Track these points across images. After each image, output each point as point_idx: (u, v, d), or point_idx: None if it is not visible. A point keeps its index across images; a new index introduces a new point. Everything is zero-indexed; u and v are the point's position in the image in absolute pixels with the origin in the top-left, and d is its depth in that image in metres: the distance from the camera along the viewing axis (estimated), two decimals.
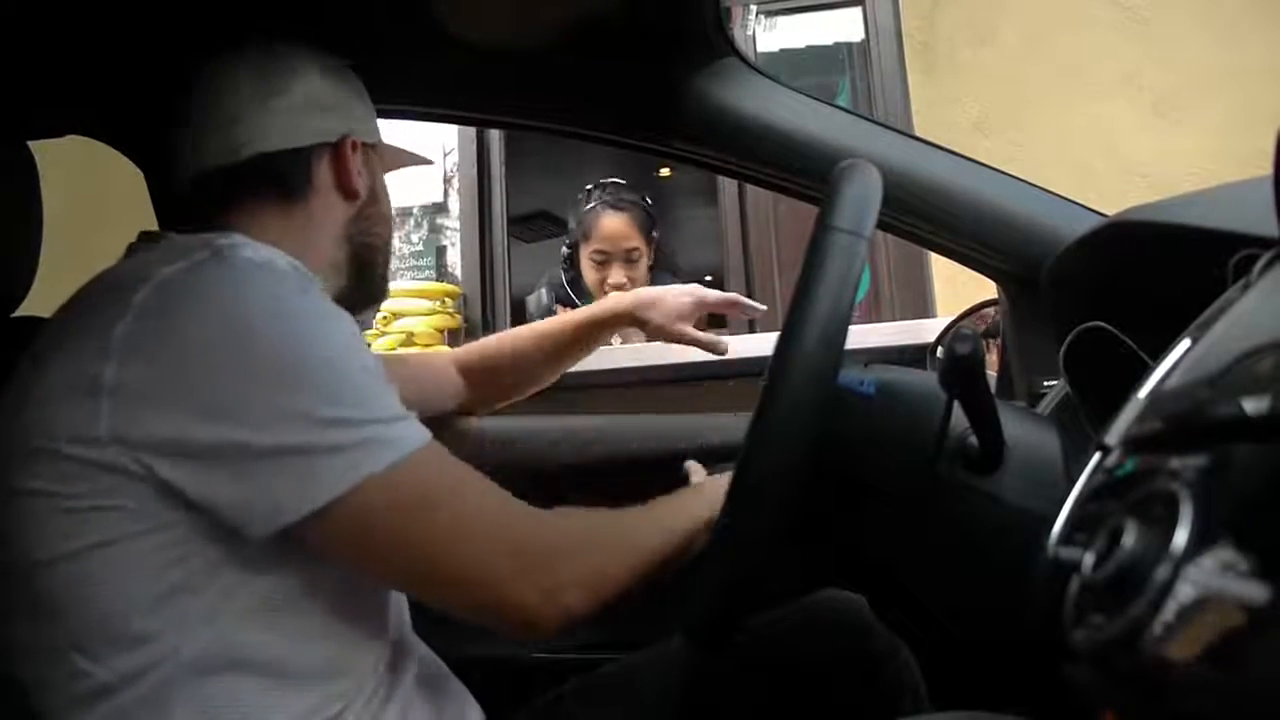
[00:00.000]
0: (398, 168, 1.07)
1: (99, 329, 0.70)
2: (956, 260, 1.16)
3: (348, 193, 0.93)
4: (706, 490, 0.90)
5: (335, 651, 0.77)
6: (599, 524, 0.81)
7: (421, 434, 0.73)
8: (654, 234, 2.41)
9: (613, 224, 2.35)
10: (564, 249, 2.49)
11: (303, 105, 0.90)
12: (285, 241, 0.86)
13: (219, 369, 0.68)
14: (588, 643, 1.33)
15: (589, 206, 2.38)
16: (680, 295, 1.29)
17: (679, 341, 1.29)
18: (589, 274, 2.40)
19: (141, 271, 0.74)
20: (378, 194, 0.98)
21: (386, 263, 1.00)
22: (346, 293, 0.93)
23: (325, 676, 0.76)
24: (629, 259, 2.37)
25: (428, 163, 1.17)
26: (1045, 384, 1.10)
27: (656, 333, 1.30)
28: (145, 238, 0.86)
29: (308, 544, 0.72)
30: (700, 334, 1.30)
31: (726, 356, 1.40)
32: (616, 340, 2.48)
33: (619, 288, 2.34)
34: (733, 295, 1.39)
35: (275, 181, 0.89)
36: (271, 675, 0.73)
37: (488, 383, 1.29)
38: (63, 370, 0.71)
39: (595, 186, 2.43)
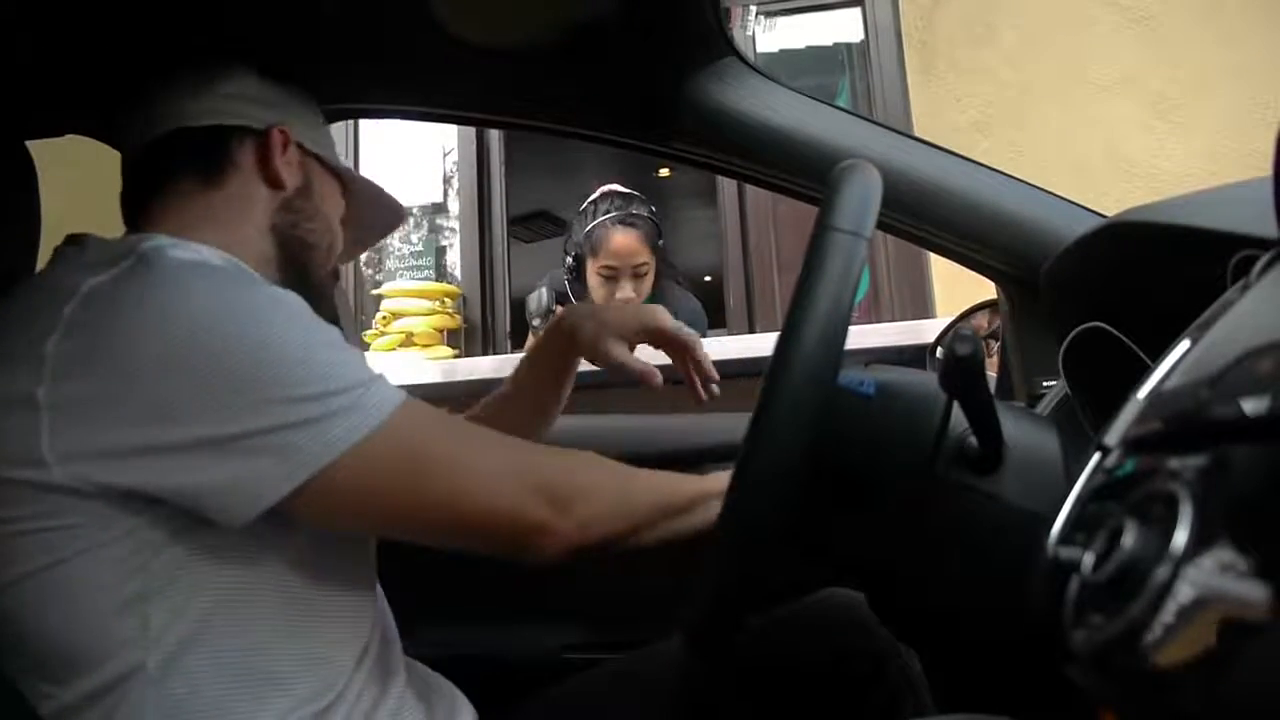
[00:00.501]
0: (369, 207, 1.06)
1: (29, 345, 0.68)
2: (955, 261, 1.16)
3: (270, 179, 0.90)
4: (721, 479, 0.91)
5: (312, 647, 0.76)
6: (613, 465, 0.84)
7: (395, 394, 0.72)
8: (660, 244, 2.41)
9: (622, 240, 2.33)
10: (568, 259, 2.47)
11: (231, 94, 0.91)
12: (207, 227, 0.85)
13: (167, 374, 0.66)
14: (585, 642, 1.34)
15: (597, 221, 2.35)
16: (625, 313, 1.09)
17: (604, 363, 1.07)
18: (595, 289, 2.38)
19: (69, 281, 0.72)
20: (312, 191, 0.94)
21: (325, 267, 0.96)
22: None
23: (304, 674, 0.74)
24: (636, 274, 2.35)
25: (399, 219, 1.15)
26: (1045, 384, 1.10)
27: (588, 349, 1.08)
28: (70, 241, 0.83)
29: (305, 519, 0.71)
30: (631, 360, 1.06)
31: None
32: None
33: (627, 301, 2.33)
34: (692, 341, 1.08)
35: (194, 157, 0.88)
36: (246, 674, 0.72)
37: None
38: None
39: (601, 197, 2.41)
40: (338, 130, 3.30)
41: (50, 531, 0.67)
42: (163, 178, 0.88)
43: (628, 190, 2.43)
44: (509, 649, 1.34)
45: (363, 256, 3.29)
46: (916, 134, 2.23)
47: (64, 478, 0.66)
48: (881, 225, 0.88)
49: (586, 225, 2.37)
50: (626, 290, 2.34)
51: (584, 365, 1.46)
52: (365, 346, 2.81)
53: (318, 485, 0.68)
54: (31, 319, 0.70)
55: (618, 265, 2.33)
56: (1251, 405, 0.36)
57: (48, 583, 0.68)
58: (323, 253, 0.95)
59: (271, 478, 0.67)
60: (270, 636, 0.74)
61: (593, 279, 2.38)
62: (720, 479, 0.87)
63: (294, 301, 0.74)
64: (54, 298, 0.71)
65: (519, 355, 1.87)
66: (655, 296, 2.52)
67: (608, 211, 2.35)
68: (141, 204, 0.88)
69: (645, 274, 2.37)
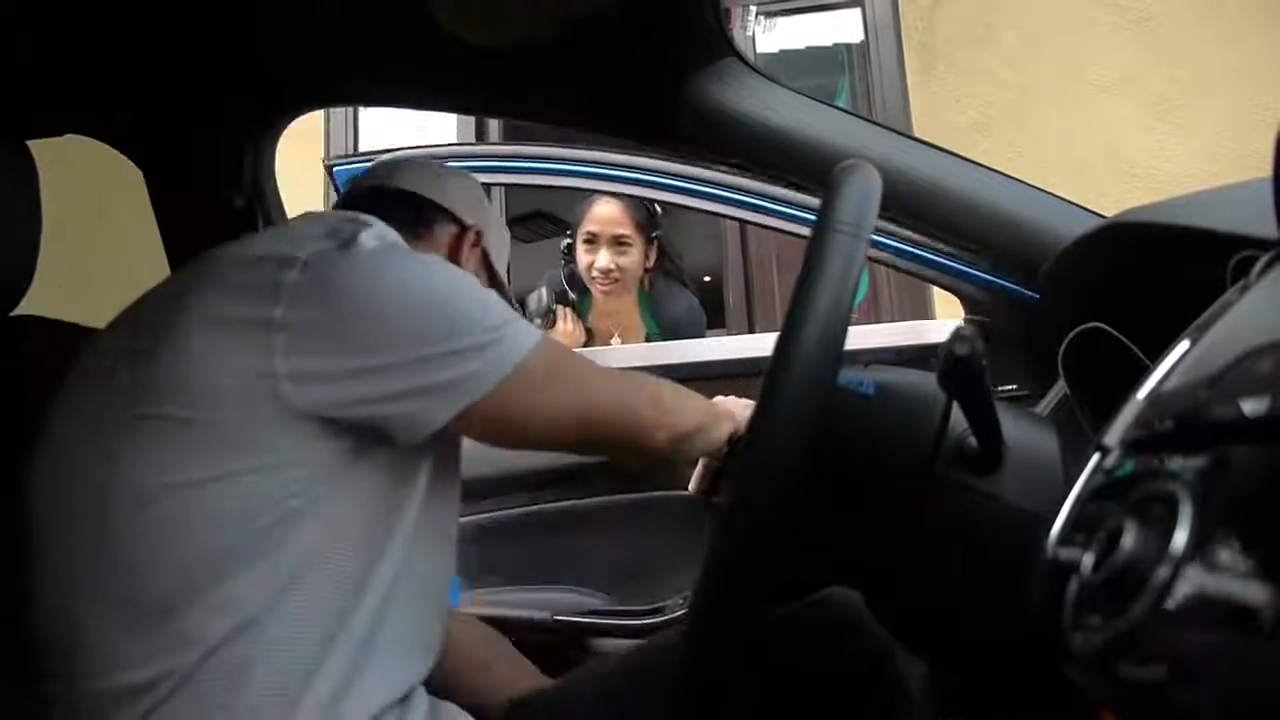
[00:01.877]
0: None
1: (269, 278, 0.78)
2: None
3: (452, 260, 1.02)
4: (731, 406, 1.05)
5: (404, 632, 0.83)
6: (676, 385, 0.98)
7: (533, 330, 0.85)
8: (655, 235, 2.42)
9: (604, 209, 2.38)
10: (564, 242, 2.51)
11: (459, 189, 1.08)
12: None
13: (381, 311, 0.78)
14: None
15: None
16: None
17: None
18: (580, 258, 2.43)
19: (305, 232, 0.85)
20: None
21: None
22: None
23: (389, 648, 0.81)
24: (618, 244, 2.39)
25: None
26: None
27: None
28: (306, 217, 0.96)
29: (479, 427, 0.83)
30: None
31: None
32: (616, 340, 2.50)
33: (606, 272, 2.38)
34: None
35: (411, 210, 1.02)
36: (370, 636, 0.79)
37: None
38: (233, 307, 0.78)
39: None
40: (338, 127, 3.30)
41: (250, 441, 0.75)
42: (379, 209, 0.98)
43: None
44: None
45: None
46: (916, 135, 2.23)
47: (288, 393, 0.75)
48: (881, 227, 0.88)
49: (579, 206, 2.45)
50: (604, 259, 2.38)
51: None
52: None
53: (496, 393, 0.79)
54: (273, 260, 0.80)
55: (597, 231, 2.38)
56: (1251, 406, 0.36)
57: (216, 491, 0.74)
58: None
59: (466, 384, 0.79)
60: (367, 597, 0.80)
61: (579, 249, 2.43)
62: (730, 401, 1.05)
63: (463, 271, 0.88)
64: (293, 244, 0.82)
65: None
66: (655, 293, 2.53)
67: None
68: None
69: (626, 249, 2.40)
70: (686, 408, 0.97)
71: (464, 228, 1.05)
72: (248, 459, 0.75)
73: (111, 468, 0.76)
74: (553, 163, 1.67)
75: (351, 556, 0.78)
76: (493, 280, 1.10)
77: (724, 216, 1.70)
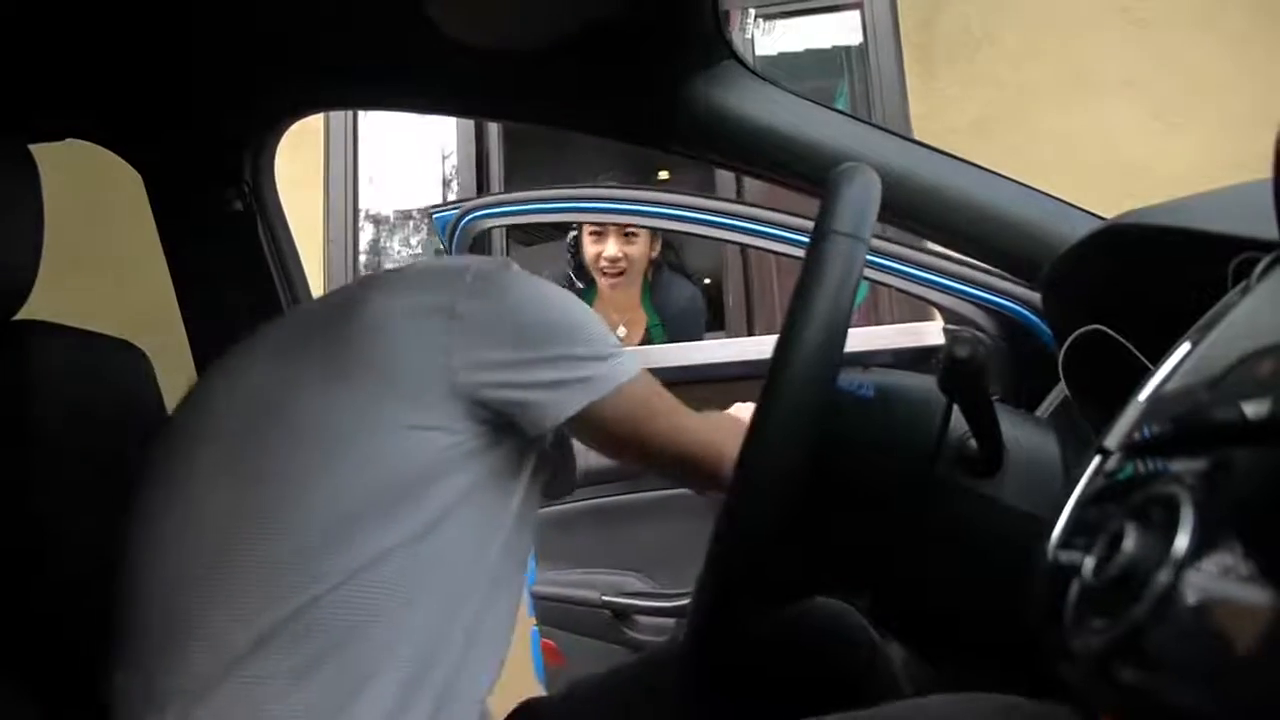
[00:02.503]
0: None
1: (450, 275, 0.90)
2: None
3: None
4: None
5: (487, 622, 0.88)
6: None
7: (638, 362, 0.93)
8: None
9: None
10: (570, 235, 2.56)
11: None
12: None
13: (533, 315, 0.90)
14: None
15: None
16: None
17: None
18: (587, 249, 2.47)
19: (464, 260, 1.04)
20: None
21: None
22: None
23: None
24: (625, 234, 2.43)
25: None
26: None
27: None
28: None
29: (584, 433, 0.95)
30: None
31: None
32: (621, 330, 2.52)
33: (614, 261, 2.43)
34: None
35: None
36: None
37: None
38: (420, 297, 0.88)
39: (605, 175, 2.50)
40: (337, 132, 3.31)
41: (419, 402, 0.84)
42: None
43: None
44: None
45: (362, 260, 3.29)
46: (915, 137, 2.23)
47: (455, 370, 0.84)
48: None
49: None
50: (612, 248, 2.43)
51: None
52: None
53: (612, 398, 0.88)
54: (448, 268, 0.93)
55: (604, 222, 2.40)
56: (1252, 408, 0.36)
57: (383, 437, 0.84)
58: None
59: (592, 384, 0.88)
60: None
61: (585, 240, 2.48)
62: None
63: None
64: (457, 262, 1.04)
65: None
66: (655, 283, 2.55)
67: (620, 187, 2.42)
68: None
69: (633, 238, 2.45)
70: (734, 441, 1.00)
71: None
72: (415, 415, 0.84)
73: (296, 408, 0.86)
74: (621, 203, 1.82)
75: (474, 527, 0.86)
76: None
77: (732, 243, 1.82)
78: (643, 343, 2.56)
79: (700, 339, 2.68)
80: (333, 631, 0.78)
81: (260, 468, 0.84)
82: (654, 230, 2.44)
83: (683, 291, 2.62)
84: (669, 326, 2.58)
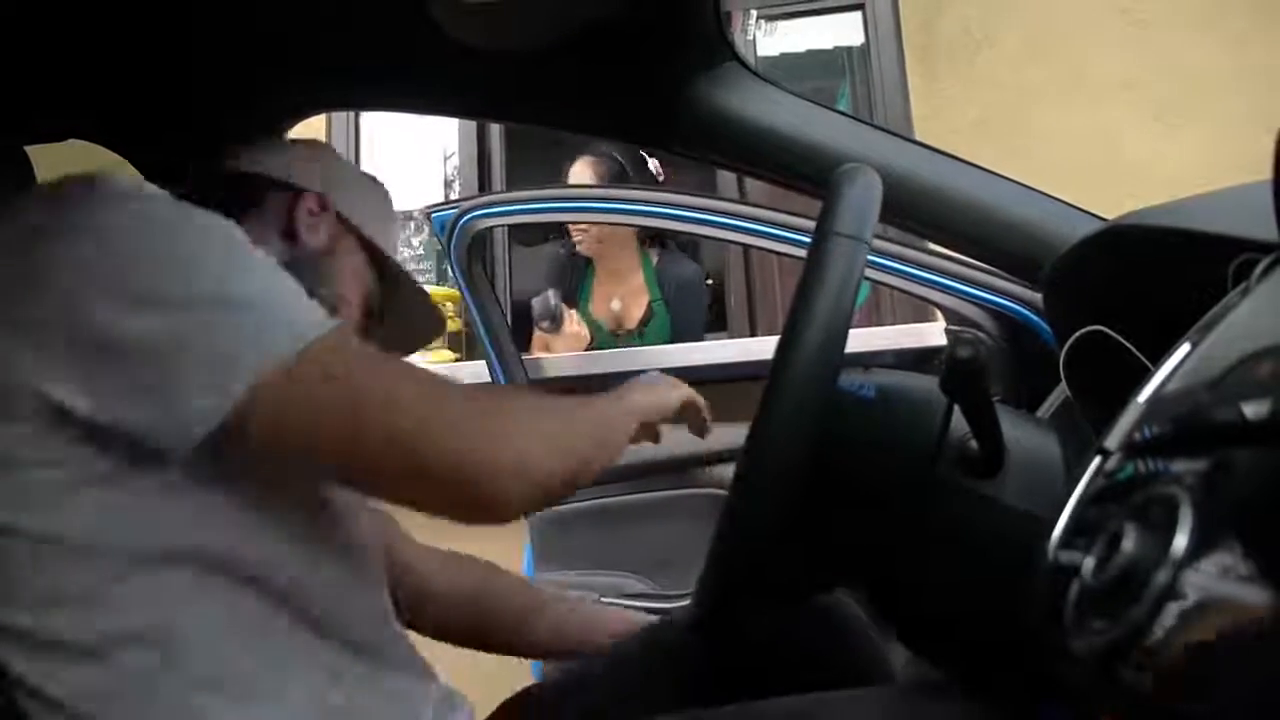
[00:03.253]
0: (410, 307, 1.08)
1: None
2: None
3: (286, 232, 0.94)
4: (635, 395, 0.92)
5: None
6: (550, 407, 0.80)
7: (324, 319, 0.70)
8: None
9: (575, 168, 2.50)
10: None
11: (293, 157, 1.00)
12: None
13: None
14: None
15: None
16: None
17: None
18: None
19: None
20: (333, 257, 0.97)
21: None
22: None
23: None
24: None
25: (435, 330, 1.16)
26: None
27: None
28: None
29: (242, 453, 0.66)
30: None
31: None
32: (616, 304, 2.54)
33: (585, 232, 2.50)
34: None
35: (228, 191, 0.94)
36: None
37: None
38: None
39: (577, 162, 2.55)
40: (338, 132, 3.31)
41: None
42: (215, 192, 0.90)
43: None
44: None
45: None
46: (917, 137, 2.23)
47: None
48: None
49: None
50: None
51: (582, 369, 1.46)
52: None
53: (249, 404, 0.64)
54: None
55: (606, 222, 2.45)
56: (1251, 409, 0.36)
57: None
58: None
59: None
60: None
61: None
62: (637, 388, 0.94)
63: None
64: None
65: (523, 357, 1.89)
66: (661, 262, 2.56)
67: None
68: None
69: None
70: (567, 435, 0.78)
71: (297, 192, 0.95)
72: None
73: None
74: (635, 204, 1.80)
75: None
76: (367, 249, 1.00)
77: (733, 243, 1.84)
78: (645, 318, 2.57)
79: (702, 318, 2.70)
80: None
81: None
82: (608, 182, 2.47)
83: (685, 268, 2.64)
84: (672, 303, 2.58)
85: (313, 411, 0.66)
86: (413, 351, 1.13)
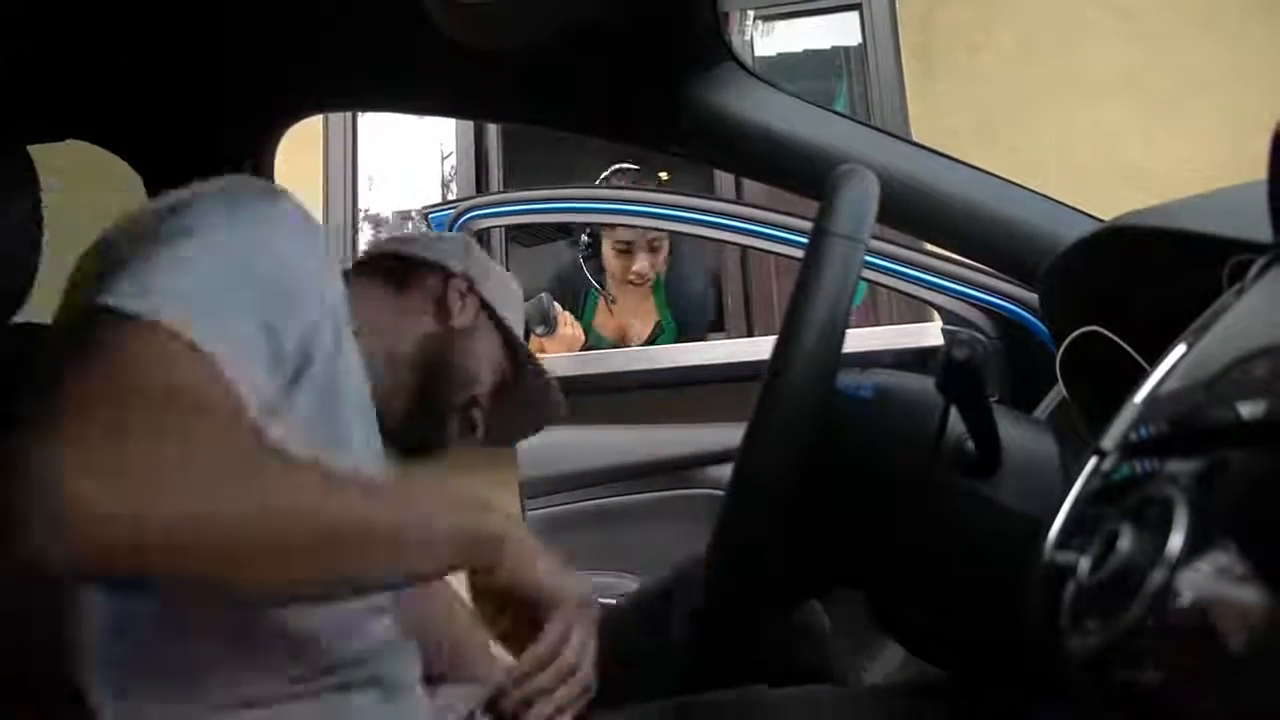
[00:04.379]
0: (532, 396, 1.11)
1: None
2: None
3: (439, 312, 1.02)
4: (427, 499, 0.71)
5: None
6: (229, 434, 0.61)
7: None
8: None
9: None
10: (584, 235, 2.54)
11: (446, 244, 1.08)
12: (373, 311, 0.96)
13: None
14: None
15: None
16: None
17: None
18: (612, 262, 2.46)
19: None
20: (474, 338, 1.04)
21: (452, 401, 1.02)
22: (404, 414, 0.98)
23: None
24: (651, 247, 2.42)
25: (551, 417, 1.15)
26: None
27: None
28: None
29: None
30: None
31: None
32: (635, 323, 2.52)
33: (641, 275, 2.42)
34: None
35: (393, 263, 1.04)
36: None
37: None
38: None
39: (614, 174, 2.47)
40: (337, 133, 3.31)
41: None
42: (363, 270, 1.03)
43: (637, 167, 2.48)
44: None
45: None
46: (914, 138, 2.24)
47: None
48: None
49: None
50: (642, 262, 2.42)
51: (582, 369, 1.46)
52: None
53: None
54: None
55: (633, 239, 2.40)
56: (1246, 410, 0.36)
57: None
58: (456, 390, 1.02)
59: None
60: None
61: (608, 253, 2.45)
62: (454, 493, 0.72)
63: None
64: None
65: None
66: (670, 280, 2.55)
67: (621, 187, 2.39)
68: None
69: (660, 246, 2.44)
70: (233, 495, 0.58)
71: (449, 275, 1.03)
72: None
73: None
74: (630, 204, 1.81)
75: None
76: (502, 332, 1.06)
77: (731, 243, 1.83)
78: (651, 337, 2.56)
79: (706, 327, 2.70)
80: None
81: None
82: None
83: (696, 286, 2.63)
84: (683, 322, 2.58)
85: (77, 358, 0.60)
86: (532, 434, 1.18)
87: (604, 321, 2.58)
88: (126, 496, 0.53)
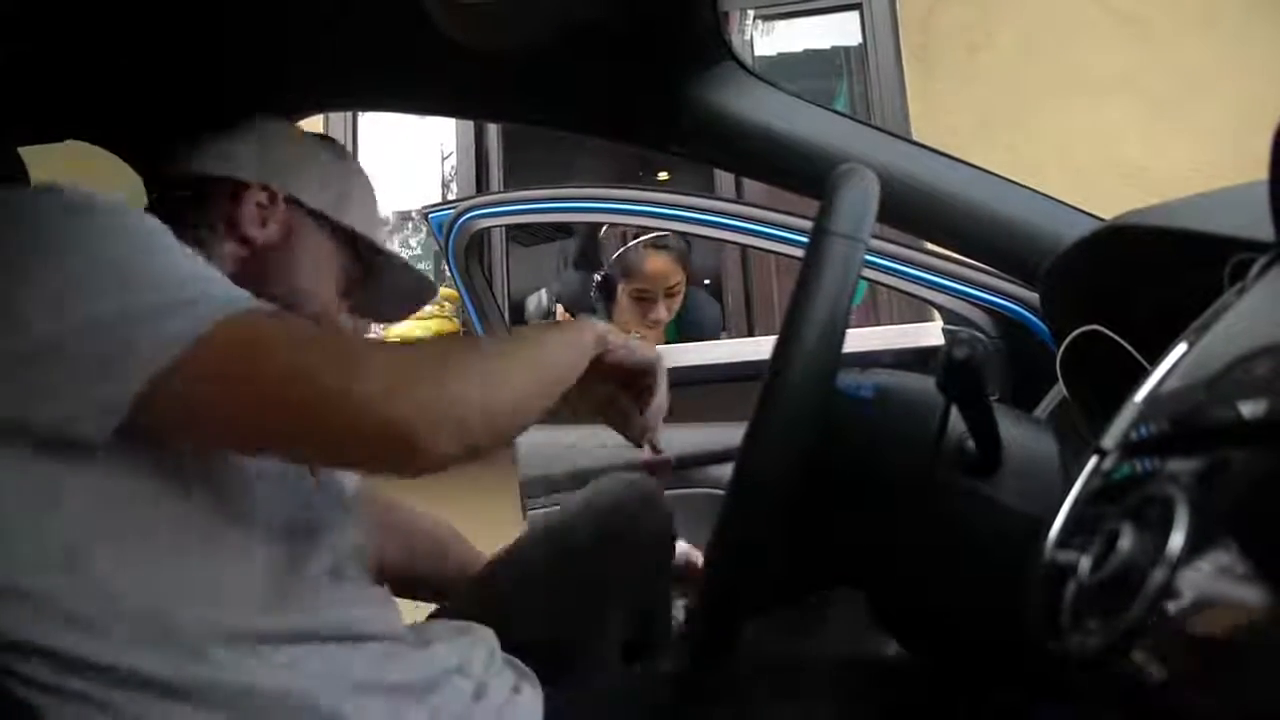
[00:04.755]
0: (393, 277, 1.04)
1: None
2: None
3: (235, 232, 0.90)
4: (570, 334, 0.87)
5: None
6: (476, 354, 0.77)
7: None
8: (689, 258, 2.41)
9: (657, 264, 2.32)
10: (596, 277, 2.45)
11: (237, 147, 0.94)
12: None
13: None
14: None
15: (629, 245, 2.34)
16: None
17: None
18: (628, 309, 2.37)
19: None
20: (291, 247, 0.93)
21: None
22: None
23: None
24: (670, 294, 2.36)
25: (423, 296, 1.10)
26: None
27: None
28: None
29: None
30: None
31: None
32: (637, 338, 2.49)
33: (658, 322, 2.36)
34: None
35: (176, 207, 0.90)
36: None
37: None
38: None
39: None
40: (337, 132, 3.31)
41: None
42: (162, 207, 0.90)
43: None
44: None
45: None
46: (914, 137, 2.24)
47: None
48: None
49: (614, 247, 2.36)
50: (660, 311, 2.36)
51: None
52: None
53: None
54: None
55: (652, 288, 2.33)
56: (1247, 409, 0.36)
57: None
58: (298, 312, 0.91)
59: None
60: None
61: (624, 300, 2.37)
62: (573, 334, 0.87)
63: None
64: None
65: None
66: (685, 318, 2.52)
67: (638, 234, 2.33)
68: None
69: (677, 293, 2.38)
70: (506, 372, 0.75)
71: (240, 186, 0.90)
72: None
73: None
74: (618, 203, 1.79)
75: None
76: (334, 231, 0.95)
77: (732, 243, 1.81)
78: None
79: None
80: None
81: None
82: (684, 265, 2.37)
83: (707, 311, 2.59)
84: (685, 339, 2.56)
85: (222, 392, 0.67)
86: (405, 318, 1.11)
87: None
88: (485, 399, 0.71)
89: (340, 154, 1.02)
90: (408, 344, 0.78)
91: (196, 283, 0.69)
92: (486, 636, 0.91)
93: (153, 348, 0.65)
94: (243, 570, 0.74)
